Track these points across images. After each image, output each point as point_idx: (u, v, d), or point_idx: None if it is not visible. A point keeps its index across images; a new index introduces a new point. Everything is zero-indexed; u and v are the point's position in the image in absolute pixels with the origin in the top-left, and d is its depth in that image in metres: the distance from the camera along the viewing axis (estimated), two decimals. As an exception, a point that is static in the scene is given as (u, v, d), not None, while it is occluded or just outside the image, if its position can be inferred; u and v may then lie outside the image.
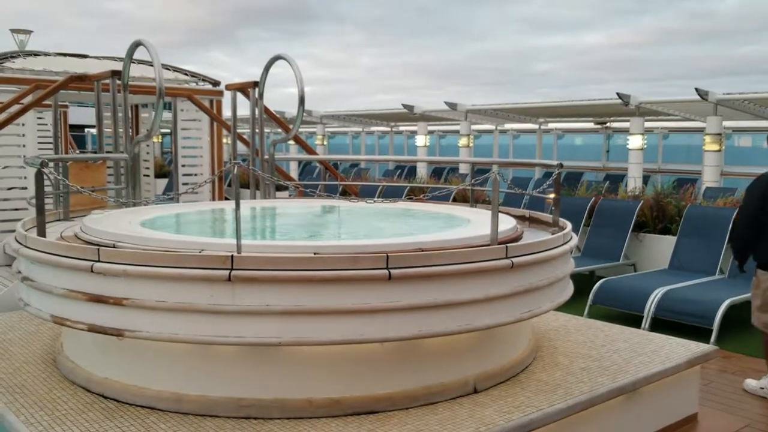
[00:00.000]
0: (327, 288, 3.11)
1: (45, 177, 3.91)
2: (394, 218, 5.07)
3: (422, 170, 17.86)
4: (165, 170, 15.62)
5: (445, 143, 25.76)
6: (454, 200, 9.58)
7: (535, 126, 20.91)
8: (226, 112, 8.37)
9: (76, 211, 4.91)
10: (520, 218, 4.86)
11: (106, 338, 3.37)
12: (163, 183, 13.96)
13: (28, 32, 18.51)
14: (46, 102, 6.60)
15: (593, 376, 3.85)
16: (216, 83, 8.40)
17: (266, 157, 6.62)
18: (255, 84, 6.61)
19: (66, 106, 9.85)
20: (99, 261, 3.21)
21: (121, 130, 6.31)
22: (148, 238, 3.55)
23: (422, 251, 3.31)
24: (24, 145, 7.01)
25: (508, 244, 3.49)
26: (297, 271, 3.08)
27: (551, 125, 21.35)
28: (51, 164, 4.09)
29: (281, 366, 3.33)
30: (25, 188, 6.99)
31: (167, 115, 7.95)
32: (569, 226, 4.22)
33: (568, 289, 4.04)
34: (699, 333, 5.92)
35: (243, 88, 6.84)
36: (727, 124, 15.07)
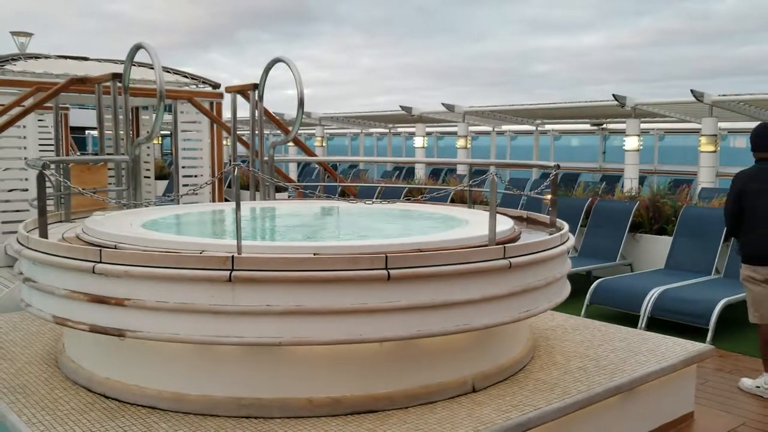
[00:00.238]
0: (326, 288, 3.15)
1: (47, 179, 3.94)
2: (393, 219, 5.11)
3: (420, 171, 17.91)
4: (165, 172, 15.65)
5: (443, 144, 25.83)
6: (452, 201, 9.64)
7: (532, 127, 20.99)
8: (226, 114, 8.41)
9: (78, 213, 4.94)
10: (518, 219, 4.91)
11: (107, 338, 3.40)
12: (163, 184, 14.00)
13: (28, 35, 18.54)
14: (47, 104, 6.62)
15: (590, 375, 3.89)
16: (216, 86, 8.44)
17: (266, 158, 6.66)
18: (255, 86, 6.65)
19: (67, 108, 9.88)
20: (101, 262, 3.25)
21: (122, 132, 6.34)
22: (149, 239, 3.58)
23: (421, 252, 3.35)
24: (25, 147, 7.05)
25: (505, 245, 3.53)
26: (297, 272, 3.12)
27: (548, 127, 21.41)
28: (53, 166, 4.12)
29: (281, 366, 3.36)
30: (26, 190, 7.02)
31: (167, 117, 7.98)
32: (566, 226, 4.26)
33: (566, 289, 4.08)
34: (695, 332, 5.97)
35: (243, 91, 6.88)
36: (722, 125, 15.16)
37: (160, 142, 19.20)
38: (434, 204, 5.67)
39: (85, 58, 8.12)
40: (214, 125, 8.24)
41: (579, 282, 7.25)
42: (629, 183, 13.97)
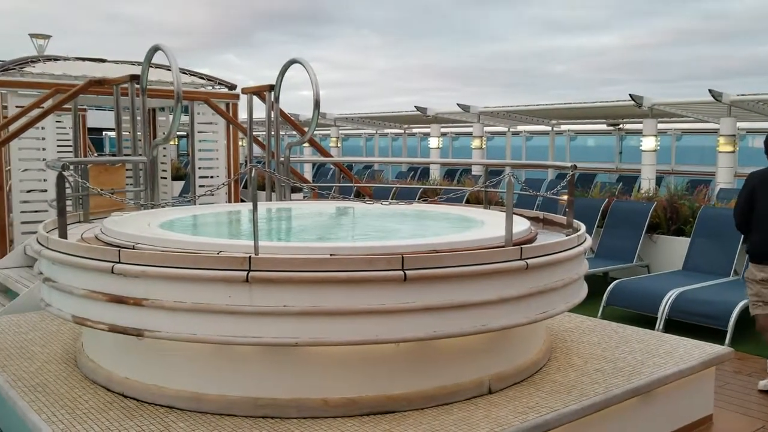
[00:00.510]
0: (343, 289, 3.15)
1: (66, 180, 3.98)
2: (409, 220, 5.10)
3: (435, 172, 17.90)
4: (181, 173, 15.76)
5: (458, 145, 25.79)
6: (467, 202, 9.61)
7: (547, 128, 20.88)
8: (242, 115, 8.45)
9: (96, 213, 4.98)
10: (534, 219, 4.88)
11: (125, 338, 3.42)
12: (179, 185, 14.09)
13: (46, 37, 18.72)
14: (66, 106, 6.69)
15: (608, 377, 3.87)
16: (232, 87, 8.48)
17: (282, 159, 6.68)
18: (271, 87, 6.67)
19: (84, 110, 9.97)
20: (119, 262, 3.27)
21: (139, 133, 6.39)
22: (167, 239, 3.61)
23: (437, 252, 3.34)
24: (44, 149, 7.12)
25: (522, 246, 3.51)
26: (313, 273, 3.12)
27: (564, 127, 21.31)
28: (72, 167, 4.15)
29: (298, 366, 3.37)
30: (45, 191, 7.10)
31: (184, 118, 8.03)
32: (583, 227, 4.24)
33: (583, 291, 4.05)
34: (713, 334, 5.91)
35: (259, 92, 6.91)
36: (741, 125, 15.00)
37: (176, 143, 19.34)
38: (450, 205, 5.66)
39: (103, 60, 8.18)
40: (230, 126, 8.28)
41: (595, 283, 7.21)
42: (646, 183, 13.86)
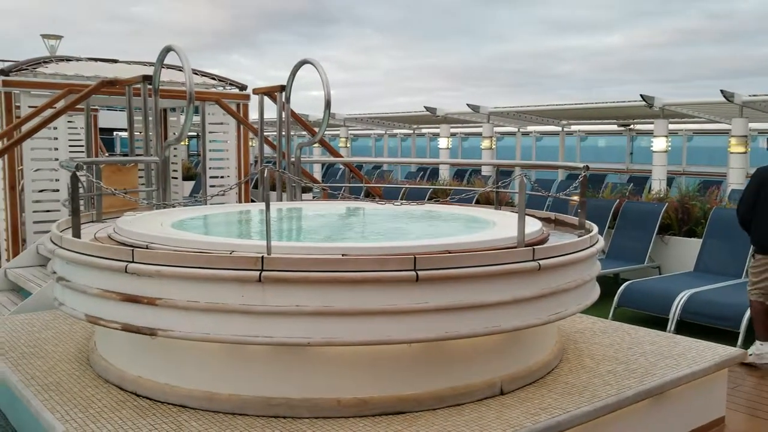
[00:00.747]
0: (355, 289, 3.15)
1: (79, 180, 4.00)
2: (420, 220, 5.10)
3: (445, 172, 17.88)
4: (192, 173, 15.82)
5: (467, 145, 25.78)
6: (477, 202, 9.60)
7: (557, 128, 20.84)
8: (252, 116, 8.47)
9: (108, 213, 5.01)
10: (546, 220, 4.87)
11: (138, 337, 3.44)
12: (189, 185, 14.14)
13: (58, 38, 18.84)
14: (78, 106, 6.72)
15: (620, 378, 3.85)
16: (243, 87, 8.50)
17: (293, 159, 6.70)
18: (282, 88, 6.69)
19: (96, 110, 10.02)
20: (133, 262, 3.29)
21: (151, 133, 6.42)
22: (180, 239, 3.62)
23: (449, 253, 3.34)
24: (56, 149, 7.16)
25: (535, 247, 3.51)
26: (326, 273, 3.13)
27: (574, 127, 21.25)
28: (85, 167, 4.18)
29: (310, 366, 3.37)
30: (57, 190, 7.14)
31: (195, 118, 8.06)
32: (596, 228, 4.22)
33: (595, 292, 4.04)
34: (725, 336, 5.88)
35: (270, 92, 6.92)
36: (752, 125, 14.91)
37: (186, 143, 19.41)
38: (461, 205, 5.65)
39: (115, 61, 8.23)
40: (241, 126, 8.30)
41: (606, 284, 7.18)
42: (657, 184, 13.81)
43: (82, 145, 7.83)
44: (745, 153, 13.22)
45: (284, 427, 3.19)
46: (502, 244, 3.61)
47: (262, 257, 3.13)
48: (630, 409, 3.67)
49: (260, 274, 3.10)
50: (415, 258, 3.18)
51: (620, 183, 14.63)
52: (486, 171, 17.05)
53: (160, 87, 6.01)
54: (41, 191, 7.12)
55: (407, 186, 12.11)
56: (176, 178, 8.94)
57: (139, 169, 7.60)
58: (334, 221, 5.20)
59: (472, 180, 14.27)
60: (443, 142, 19.79)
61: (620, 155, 21.14)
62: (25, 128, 6.48)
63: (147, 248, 3.50)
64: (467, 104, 17.87)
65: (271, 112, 7.16)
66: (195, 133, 18.41)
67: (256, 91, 7.20)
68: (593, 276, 3.98)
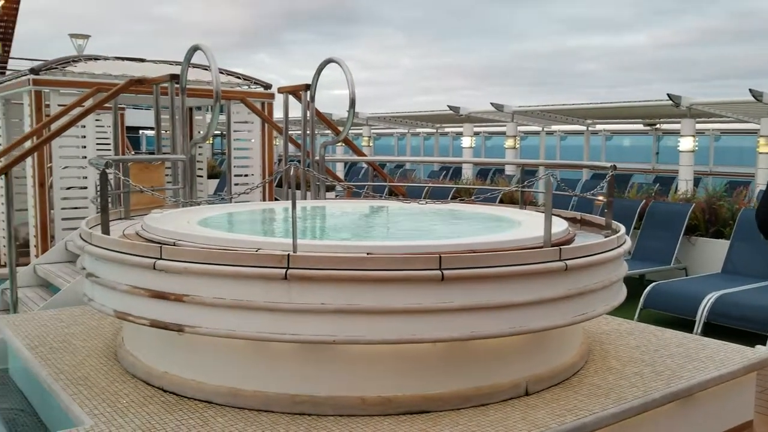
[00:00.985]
0: (380, 288, 3.16)
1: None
2: (444, 219, 5.09)
3: (468, 171, 17.83)
4: (216, 171, 15.95)
5: (490, 144, 25.67)
6: (501, 202, 9.56)
7: (582, 127, 20.66)
8: (276, 114, 8.51)
9: (136, 210, 5.07)
10: (572, 220, 4.84)
11: (165, 333, 3.47)
12: (214, 183, 14.25)
13: (85, 37, 19.10)
14: (106, 105, 6.81)
15: (646, 380, 3.82)
16: (267, 86, 8.54)
17: (317, 158, 6.72)
18: (306, 87, 6.71)
19: (123, 109, 10.13)
20: (161, 258, 3.32)
21: (178, 131, 6.48)
22: (207, 236, 3.65)
23: (475, 252, 3.33)
24: (84, 147, 7.26)
25: (561, 247, 3.48)
26: (351, 271, 3.14)
27: (599, 127, 21.06)
28: (113, 165, 4.23)
29: (335, 364, 3.38)
30: (85, 188, 7.23)
31: (220, 117, 8.13)
32: (623, 228, 4.19)
33: (622, 293, 4.01)
34: (753, 338, 5.78)
35: (295, 91, 6.95)
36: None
37: (210, 141, 19.57)
38: (485, 204, 5.63)
39: (142, 60, 8.31)
40: (265, 125, 8.34)
41: (632, 286, 7.09)
42: (684, 185, 13.64)
43: (109, 143, 7.92)
44: (774, 153, 13.02)
45: (309, 424, 3.21)
46: (528, 243, 3.59)
47: (288, 255, 3.15)
48: (656, 412, 3.64)
49: (286, 272, 3.11)
50: (440, 257, 3.17)
51: (646, 183, 14.48)
52: (509, 170, 16.97)
53: (187, 86, 6.06)
54: (68, 188, 7.22)
55: (430, 185, 12.09)
56: (201, 176, 9.01)
57: (166, 167, 7.68)
58: (359, 220, 5.21)
59: (495, 179, 14.21)
60: (466, 141, 19.73)
61: (646, 155, 20.92)
62: (54, 126, 6.57)
63: (174, 245, 3.53)
64: (491, 103, 17.79)
65: (294, 111, 7.19)
66: (219, 132, 18.57)
67: (281, 90, 7.23)
68: (620, 277, 3.95)
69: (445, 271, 3.15)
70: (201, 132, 9.10)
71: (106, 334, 4.59)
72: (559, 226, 4.04)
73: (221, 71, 8.36)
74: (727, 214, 8.39)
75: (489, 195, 5.25)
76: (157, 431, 3.11)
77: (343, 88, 6.31)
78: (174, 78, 6.15)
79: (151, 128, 6.63)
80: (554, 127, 22.10)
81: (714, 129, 19.31)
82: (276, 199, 8.41)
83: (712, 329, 6.20)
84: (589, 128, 20.66)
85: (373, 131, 25.36)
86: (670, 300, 6.85)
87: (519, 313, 3.31)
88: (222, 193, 10.71)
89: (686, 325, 6.25)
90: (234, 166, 8.27)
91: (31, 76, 7.01)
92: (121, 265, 3.50)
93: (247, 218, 5.00)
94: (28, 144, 6.56)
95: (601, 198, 4.57)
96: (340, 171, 21.72)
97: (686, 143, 14.43)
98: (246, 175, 8.48)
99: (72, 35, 19.19)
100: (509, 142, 18.20)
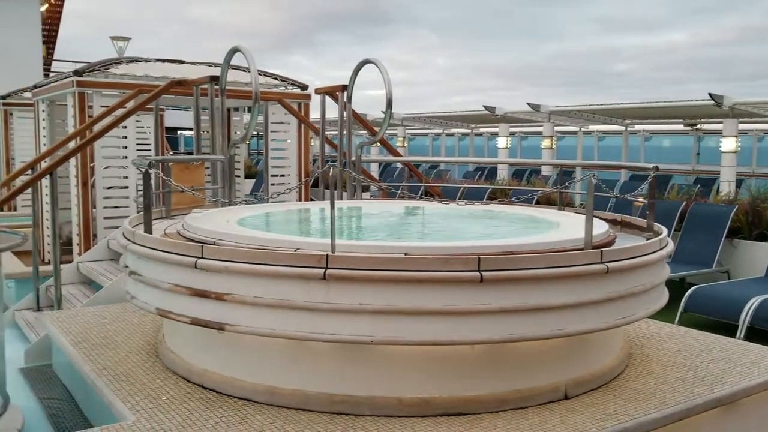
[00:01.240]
0: (418, 289, 3.15)
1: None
2: (481, 220, 5.07)
3: (503, 172, 17.70)
4: (252, 171, 16.11)
5: (526, 145, 25.47)
6: (537, 203, 9.48)
7: (621, 127, 20.36)
8: (313, 115, 8.56)
9: (176, 210, 5.14)
10: (612, 222, 4.77)
11: (205, 331, 3.52)
12: (250, 183, 14.40)
13: (126, 39, 19.45)
14: (148, 106, 6.93)
15: (689, 386, 3.74)
16: (304, 87, 8.60)
17: (353, 158, 6.75)
18: (343, 87, 6.74)
19: (163, 110, 10.29)
20: (202, 257, 3.37)
21: (217, 132, 6.56)
22: (246, 236, 3.69)
23: (514, 254, 3.31)
24: (125, 147, 7.40)
25: (603, 249, 3.44)
26: (389, 272, 3.13)
27: (638, 127, 20.74)
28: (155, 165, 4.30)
29: (372, 364, 3.39)
30: (126, 188, 7.37)
31: (258, 118, 8.21)
32: (665, 231, 4.11)
33: (663, 296, 3.94)
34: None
35: (331, 92, 6.99)
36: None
37: (248, 142, 19.79)
38: (522, 205, 5.58)
39: (181, 62, 8.44)
40: (302, 126, 8.40)
41: (672, 289, 6.98)
42: (726, 186, 13.35)
43: (149, 144, 8.05)
44: (820, 154, 12.68)
45: (347, 424, 3.22)
46: (568, 245, 3.55)
47: (327, 255, 3.16)
48: (699, 418, 3.56)
49: (325, 272, 3.13)
50: (479, 258, 3.15)
51: (686, 184, 14.22)
52: (546, 171, 16.81)
53: (226, 87, 6.13)
54: (110, 188, 7.36)
55: (465, 185, 12.05)
56: (239, 176, 9.11)
57: (205, 168, 7.79)
58: (395, 220, 5.21)
59: (531, 180, 14.09)
60: (502, 142, 19.60)
61: (686, 156, 20.54)
62: (96, 127, 6.71)
63: (215, 245, 3.57)
64: (528, 103, 17.65)
65: (330, 111, 7.24)
66: (256, 132, 18.75)
67: (318, 91, 7.28)
68: (662, 280, 3.88)
69: (483, 273, 3.13)
70: (239, 132, 9.20)
71: (147, 331, 4.67)
72: (600, 227, 3.99)
73: (259, 73, 8.45)
74: (771, 216, 8.20)
75: (529, 196, 5.20)
76: (198, 427, 3.15)
77: (377, 88, 6.32)
78: (214, 79, 6.23)
79: (189, 129, 6.74)
80: (592, 127, 21.82)
81: (757, 129, 18.87)
82: (311, 199, 8.46)
83: (755, 334, 6.06)
84: (628, 128, 20.35)
85: (407, 131, 25.35)
86: (711, 304, 6.72)
87: (558, 316, 3.28)
88: (259, 192, 10.82)
89: (728, 329, 6.13)
90: (271, 167, 8.34)
91: (75, 78, 7.16)
92: (164, 264, 3.55)
93: (285, 218, 5.04)
94: (72, 144, 6.71)
95: (641, 199, 4.49)
96: (374, 171, 21.77)
97: (728, 144, 14.12)
98: (282, 176, 8.55)
99: (113, 38, 19.56)
100: (546, 143, 18.03)
